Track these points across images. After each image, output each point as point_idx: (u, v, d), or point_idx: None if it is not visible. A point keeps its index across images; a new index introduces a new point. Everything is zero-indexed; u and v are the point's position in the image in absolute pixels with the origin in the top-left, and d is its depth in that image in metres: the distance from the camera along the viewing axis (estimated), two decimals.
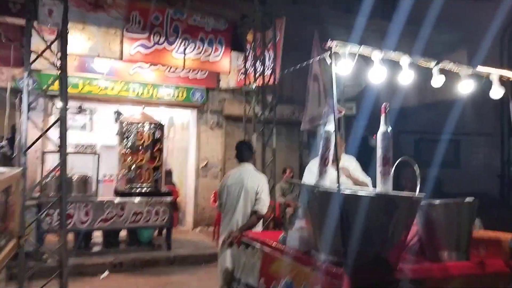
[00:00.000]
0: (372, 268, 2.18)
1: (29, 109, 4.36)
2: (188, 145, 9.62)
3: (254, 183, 3.94)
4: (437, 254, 2.51)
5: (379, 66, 2.40)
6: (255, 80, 6.95)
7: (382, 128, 2.45)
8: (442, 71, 2.68)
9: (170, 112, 9.95)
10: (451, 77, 3.04)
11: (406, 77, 2.55)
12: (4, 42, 6.21)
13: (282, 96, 9.64)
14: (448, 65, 2.64)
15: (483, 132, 9.06)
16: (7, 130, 5.38)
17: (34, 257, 5.61)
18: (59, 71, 4.50)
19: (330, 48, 2.19)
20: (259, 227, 4.16)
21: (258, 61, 7.01)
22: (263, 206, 3.89)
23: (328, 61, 2.20)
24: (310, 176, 3.51)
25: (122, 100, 8.54)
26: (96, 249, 6.97)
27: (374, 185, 2.76)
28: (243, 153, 4.16)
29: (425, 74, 2.87)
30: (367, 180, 3.66)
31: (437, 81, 2.61)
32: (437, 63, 2.58)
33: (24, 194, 4.26)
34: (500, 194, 8.64)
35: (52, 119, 7.13)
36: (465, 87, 2.76)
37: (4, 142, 4.96)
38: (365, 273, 2.11)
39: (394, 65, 2.91)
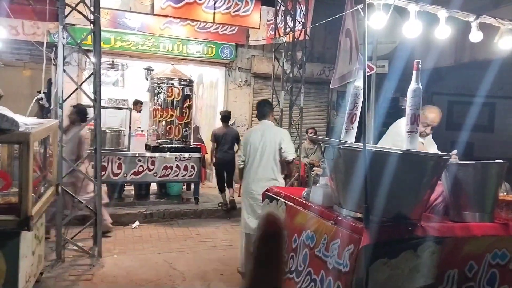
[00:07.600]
0: (393, 225, 2.20)
1: (64, 63, 4.48)
2: (216, 103, 9.67)
3: (275, 137, 4.23)
4: (461, 215, 2.50)
5: (415, 19, 2.30)
6: (285, 35, 6.80)
7: (413, 85, 2.37)
8: (482, 27, 2.55)
9: (199, 70, 9.96)
10: (492, 34, 2.88)
11: (443, 32, 2.44)
12: None
13: (312, 54, 9.44)
14: (489, 20, 2.50)
15: None
16: (43, 84, 5.55)
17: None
18: (92, 25, 4.56)
19: None
20: (282, 184, 4.29)
21: (289, 16, 6.82)
22: (288, 153, 4.20)
23: (361, 13, 2.12)
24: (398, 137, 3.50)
25: (152, 57, 8.62)
26: (128, 200, 7.30)
27: None
28: (262, 110, 4.44)
29: (464, 31, 2.72)
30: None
31: (476, 36, 2.49)
32: (477, 17, 2.45)
33: (61, 145, 4.47)
34: None
35: (86, 74, 7.30)
36: (506, 44, 2.62)
37: (42, 94, 5.14)
38: (385, 229, 2.13)
39: (431, 22, 2.77)
